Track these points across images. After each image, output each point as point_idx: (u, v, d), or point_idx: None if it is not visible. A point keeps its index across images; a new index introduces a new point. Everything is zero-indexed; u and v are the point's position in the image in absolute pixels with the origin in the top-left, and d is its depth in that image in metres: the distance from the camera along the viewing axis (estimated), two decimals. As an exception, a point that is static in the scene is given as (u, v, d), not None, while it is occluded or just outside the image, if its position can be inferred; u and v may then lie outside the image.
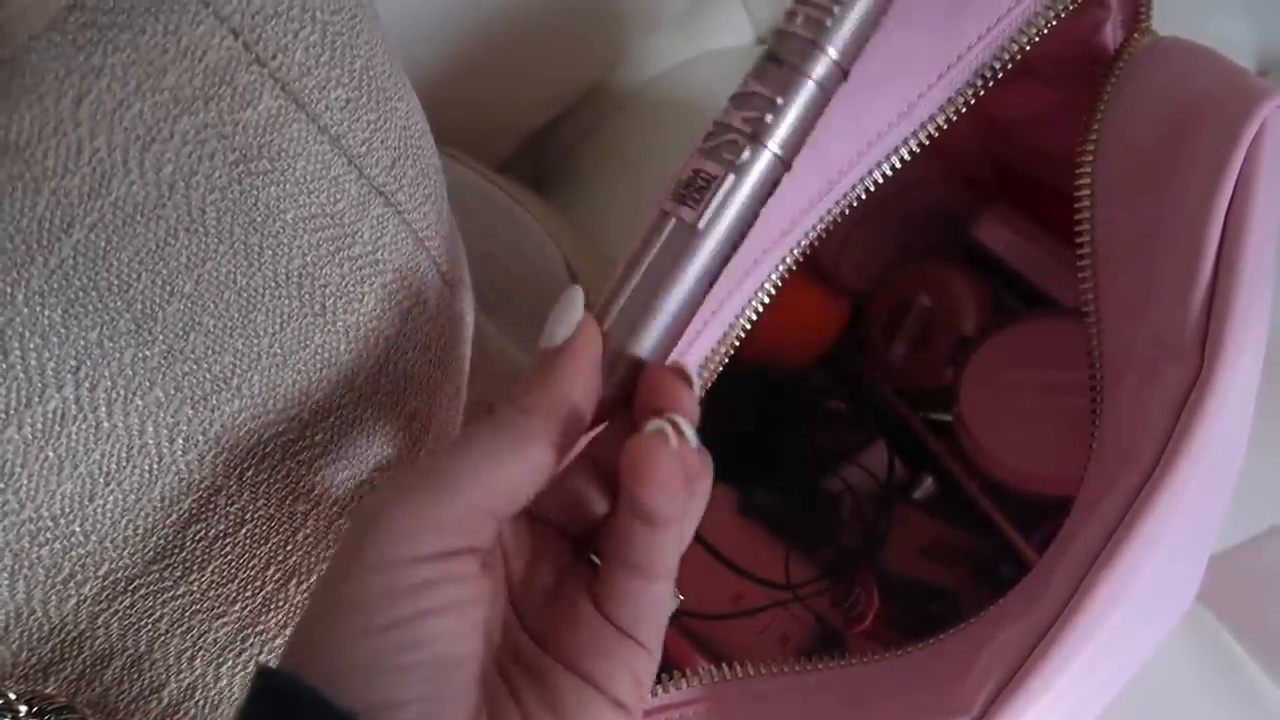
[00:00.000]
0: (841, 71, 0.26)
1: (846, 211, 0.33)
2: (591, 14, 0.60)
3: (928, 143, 0.33)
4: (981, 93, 0.33)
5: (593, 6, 0.59)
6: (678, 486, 0.24)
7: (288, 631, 0.29)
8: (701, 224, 0.26)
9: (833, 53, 0.25)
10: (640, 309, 0.26)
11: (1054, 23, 0.33)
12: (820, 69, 0.25)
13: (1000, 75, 0.33)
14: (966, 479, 0.42)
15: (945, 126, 0.33)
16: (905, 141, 0.33)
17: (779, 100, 0.25)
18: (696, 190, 0.26)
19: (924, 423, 0.44)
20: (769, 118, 0.25)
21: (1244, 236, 0.28)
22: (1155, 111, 0.32)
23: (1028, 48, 0.33)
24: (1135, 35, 0.35)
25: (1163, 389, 0.28)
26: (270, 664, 0.22)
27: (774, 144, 0.26)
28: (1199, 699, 0.44)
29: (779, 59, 0.26)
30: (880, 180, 0.33)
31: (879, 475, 0.43)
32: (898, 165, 0.33)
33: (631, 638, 0.25)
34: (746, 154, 0.26)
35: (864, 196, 0.33)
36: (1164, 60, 0.33)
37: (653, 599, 0.25)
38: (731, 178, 0.26)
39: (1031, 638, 0.27)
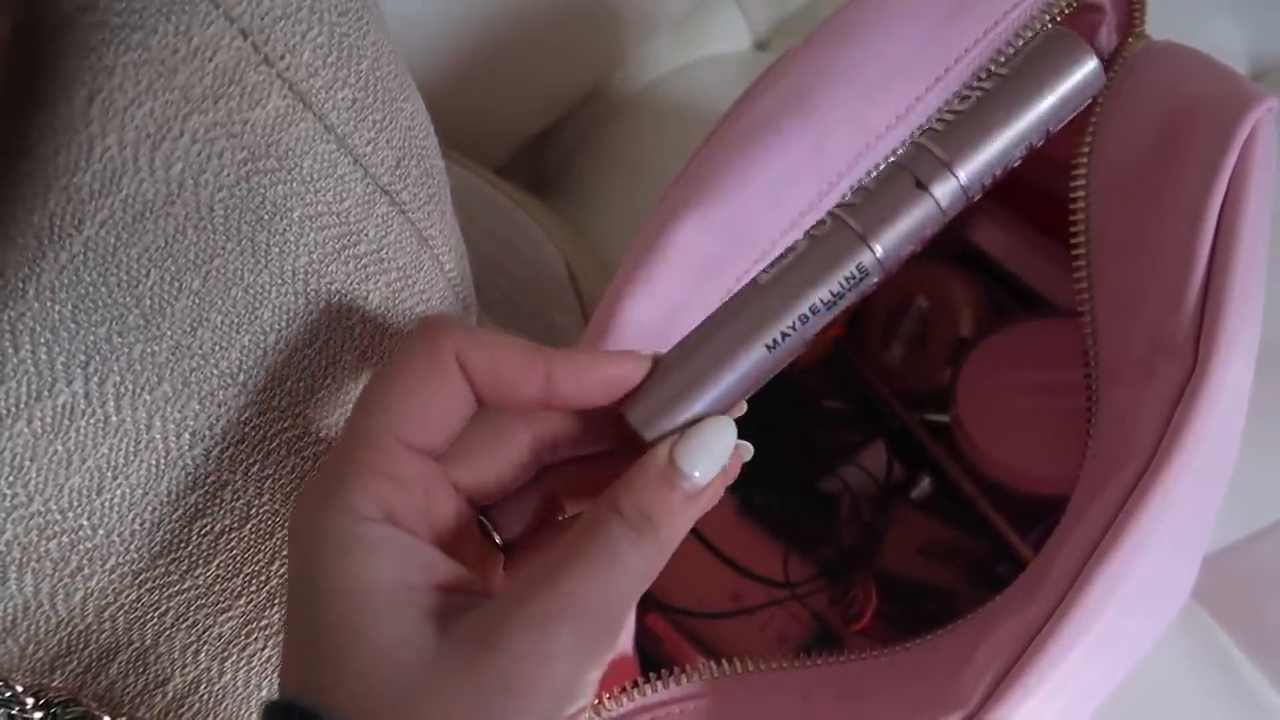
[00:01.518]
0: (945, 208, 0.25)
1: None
2: (590, 19, 0.60)
3: (925, 145, 0.34)
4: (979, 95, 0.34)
5: (591, 12, 0.59)
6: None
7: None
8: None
9: (962, 178, 0.24)
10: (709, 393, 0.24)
11: (1050, 26, 0.33)
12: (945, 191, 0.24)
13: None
14: (964, 479, 0.42)
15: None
16: (903, 144, 0.34)
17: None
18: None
19: (921, 423, 0.44)
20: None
21: (1236, 237, 0.28)
22: (1149, 114, 0.32)
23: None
24: (1130, 39, 0.36)
25: (1157, 387, 0.28)
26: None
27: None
28: (1195, 697, 0.44)
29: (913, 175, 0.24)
30: (878, 182, 0.34)
31: (877, 475, 0.44)
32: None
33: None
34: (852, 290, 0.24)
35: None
36: (1158, 64, 0.34)
37: None
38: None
39: (1028, 632, 0.27)
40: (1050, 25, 0.33)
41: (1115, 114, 0.34)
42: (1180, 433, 0.27)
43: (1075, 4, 0.33)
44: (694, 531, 0.42)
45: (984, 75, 0.34)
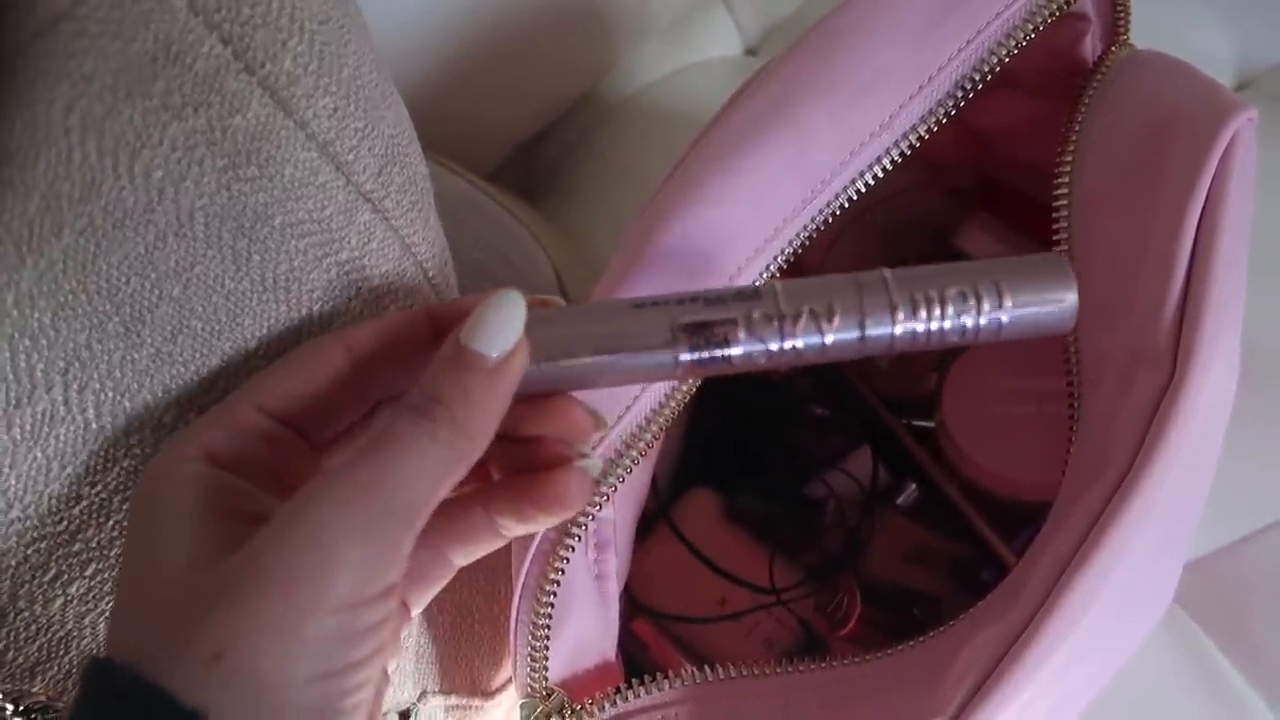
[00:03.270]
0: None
1: (830, 220, 0.34)
2: (580, 25, 0.60)
3: (909, 152, 0.34)
4: (962, 104, 0.34)
5: (582, 18, 0.60)
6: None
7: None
8: (679, 367, 0.24)
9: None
10: (579, 357, 0.24)
11: (1033, 35, 0.33)
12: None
13: (981, 86, 0.34)
14: (949, 485, 0.42)
15: (926, 136, 0.34)
16: (887, 151, 0.34)
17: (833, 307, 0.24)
18: (707, 340, 0.24)
19: (907, 429, 0.45)
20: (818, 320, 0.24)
21: (1215, 246, 0.28)
22: (1131, 123, 0.32)
23: (1007, 59, 0.33)
24: (1114, 48, 0.36)
25: (1137, 395, 0.28)
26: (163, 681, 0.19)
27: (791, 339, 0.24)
28: (1179, 701, 0.44)
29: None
30: (863, 189, 0.34)
31: (863, 481, 0.44)
32: (880, 175, 0.34)
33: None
34: (764, 357, 0.24)
35: (846, 205, 0.34)
36: (1141, 73, 0.34)
37: (445, 577, 0.27)
38: (738, 357, 0.24)
39: (1007, 639, 0.27)
40: (1033, 35, 0.33)
41: (1098, 122, 0.34)
42: (1158, 441, 0.27)
43: (1059, 13, 0.34)
44: (679, 536, 0.42)
45: (966, 85, 0.34)
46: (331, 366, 0.25)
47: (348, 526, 0.20)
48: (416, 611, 0.27)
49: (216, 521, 0.22)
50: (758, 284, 0.25)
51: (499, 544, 0.27)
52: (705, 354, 0.24)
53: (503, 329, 0.23)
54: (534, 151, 0.67)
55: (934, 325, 0.24)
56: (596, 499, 0.30)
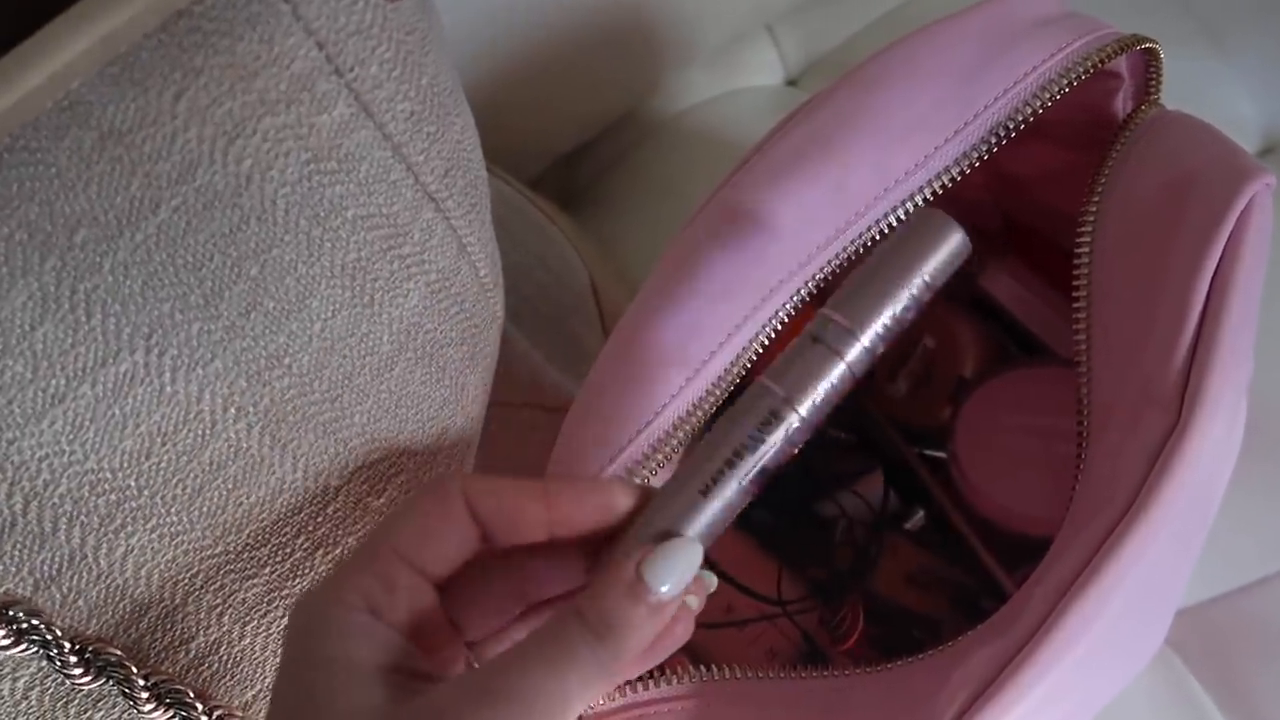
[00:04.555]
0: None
1: (861, 250, 0.36)
2: (629, 46, 0.62)
3: (942, 191, 0.36)
4: (995, 149, 0.35)
5: (630, 39, 0.62)
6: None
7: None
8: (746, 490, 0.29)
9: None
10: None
11: (1068, 89, 0.35)
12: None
13: (1014, 134, 0.35)
14: (956, 514, 0.44)
15: (959, 178, 0.36)
16: (920, 189, 0.36)
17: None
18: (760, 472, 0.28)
19: (920, 457, 0.46)
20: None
21: (1227, 300, 0.30)
22: (1155, 178, 0.34)
23: (1041, 110, 0.35)
24: (1144, 106, 0.38)
25: (1141, 437, 0.30)
26: None
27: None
28: (1164, 743, 0.45)
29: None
30: (894, 223, 0.35)
31: (873, 503, 0.45)
32: (912, 209, 0.36)
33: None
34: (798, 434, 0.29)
35: (879, 237, 0.36)
36: (1167, 132, 0.35)
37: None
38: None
39: (1002, 659, 0.29)
40: (1067, 90, 0.35)
41: (1124, 175, 0.36)
42: (1160, 482, 0.29)
43: (1094, 70, 0.35)
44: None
45: (1000, 132, 0.35)
46: (460, 519, 0.26)
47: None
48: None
49: (389, 674, 0.24)
50: (759, 392, 0.29)
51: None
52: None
53: (682, 574, 0.25)
54: (577, 163, 0.68)
55: (889, 331, 0.29)
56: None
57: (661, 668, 0.34)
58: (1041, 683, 0.28)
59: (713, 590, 0.29)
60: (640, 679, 0.33)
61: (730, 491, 0.28)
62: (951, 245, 0.29)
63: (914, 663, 0.33)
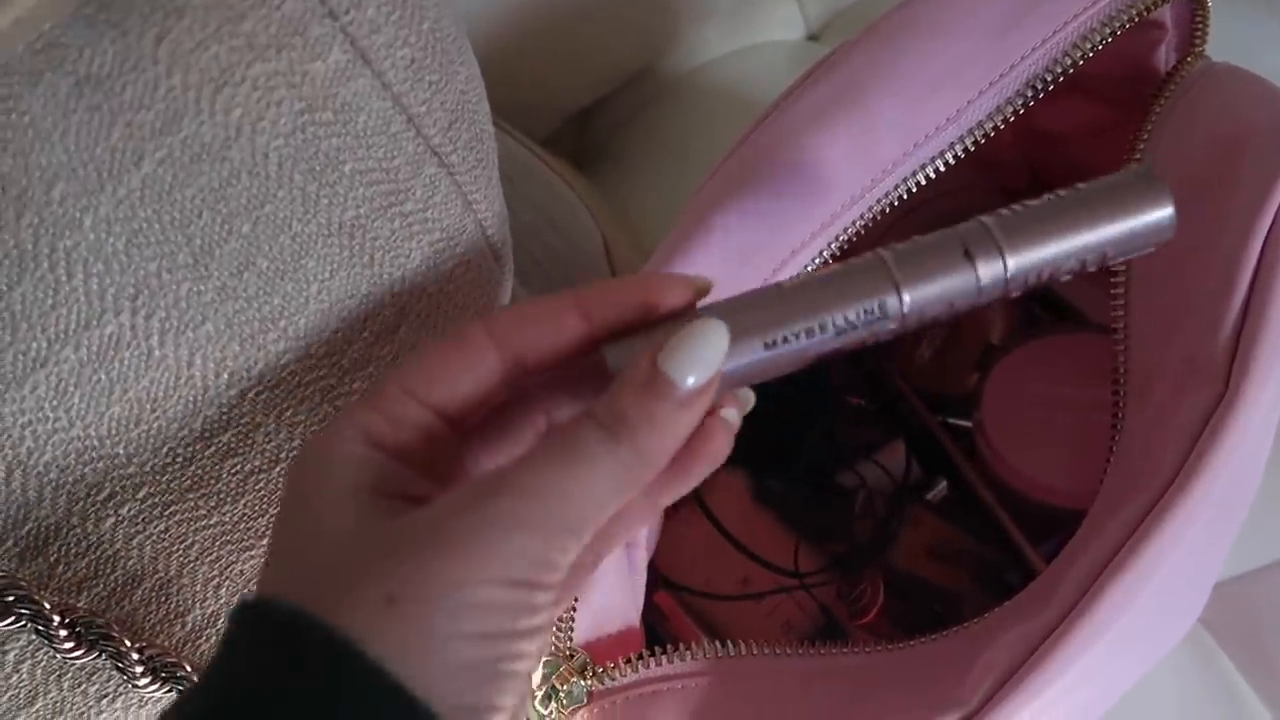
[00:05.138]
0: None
1: (888, 210, 0.34)
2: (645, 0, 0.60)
3: (973, 148, 0.34)
4: (1031, 103, 0.34)
5: (647, -10, 0.60)
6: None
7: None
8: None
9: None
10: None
11: (1110, 39, 0.33)
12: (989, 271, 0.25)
13: (1051, 88, 0.33)
14: (980, 485, 0.42)
15: (992, 134, 0.34)
16: (951, 146, 0.34)
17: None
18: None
19: (943, 427, 0.44)
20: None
21: (1280, 264, 0.28)
22: (1203, 134, 0.32)
23: (1080, 62, 0.33)
24: (1189, 59, 0.36)
25: (1187, 408, 0.28)
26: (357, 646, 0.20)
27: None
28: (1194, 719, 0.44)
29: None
30: (924, 181, 0.34)
31: (895, 474, 0.44)
32: (942, 168, 0.34)
33: None
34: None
35: (906, 196, 0.34)
36: (1216, 85, 0.33)
37: (593, 563, 0.26)
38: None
39: (1034, 639, 0.28)
40: (1109, 40, 0.33)
41: (1168, 131, 0.34)
42: (1204, 457, 0.27)
43: (1138, 19, 0.33)
44: (708, 514, 0.43)
45: (1037, 85, 0.33)
46: (479, 355, 0.24)
47: (525, 520, 0.21)
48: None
49: (380, 499, 0.22)
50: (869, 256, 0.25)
51: (653, 515, 0.27)
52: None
53: (703, 361, 0.23)
54: (587, 122, 0.67)
55: (1039, 279, 0.24)
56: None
57: (676, 643, 0.32)
58: (1074, 666, 0.27)
59: (750, 407, 0.26)
60: (653, 654, 0.32)
61: (788, 356, 0.24)
62: (1157, 221, 0.24)
63: (937, 641, 0.31)
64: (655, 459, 0.23)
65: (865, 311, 0.24)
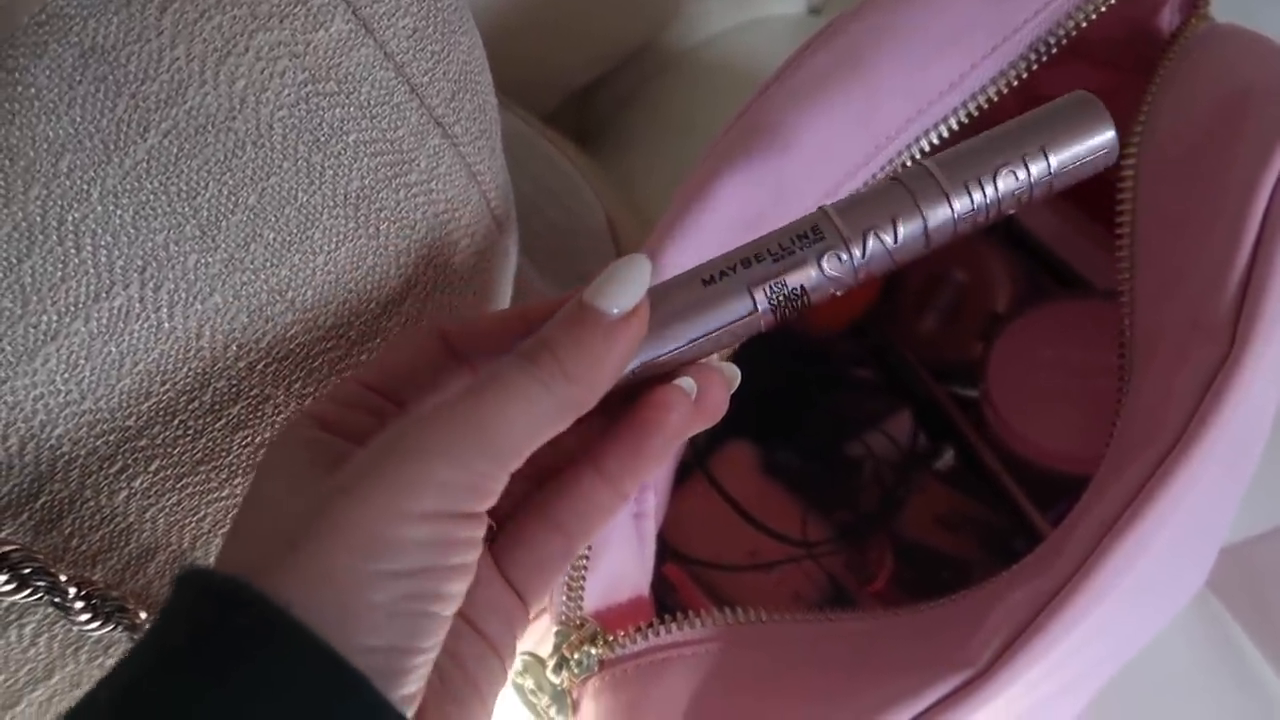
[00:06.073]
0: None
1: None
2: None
3: (977, 114, 0.34)
4: (1034, 67, 0.33)
5: (648, -35, 0.59)
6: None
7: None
8: (760, 321, 0.25)
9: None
10: (677, 331, 0.25)
11: (1112, 1, 0.33)
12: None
13: (1054, 52, 0.33)
14: (987, 453, 0.43)
15: (995, 99, 0.34)
16: (954, 112, 0.34)
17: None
18: (785, 295, 0.24)
19: (949, 396, 0.45)
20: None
21: (1285, 222, 0.28)
22: (1207, 95, 0.32)
23: (1084, 24, 0.33)
24: (1193, 19, 0.35)
25: (1191, 368, 0.28)
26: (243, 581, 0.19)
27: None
28: (1201, 684, 0.44)
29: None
30: (926, 149, 0.34)
31: (901, 443, 0.44)
32: (945, 135, 0.34)
33: (521, 598, 0.26)
34: (839, 289, 0.25)
35: (908, 165, 0.34)
36: (1220, 46, 0.33)
37: (563, 557, 0.26)
38: (815, 294, 0.25)
39: (1041, 599, 0.28)
40: (1111, 2, 0.33)
41: (1172, 93, 0.33)
42: (1210, 415, 0.27)
43: (1140, -20, 0.33)
44: (715, 485, 0.43)
45: (1040, 49, 0.33)
46: (428, 346, 0.25)
47: (441, 452, 0.21)
48: (535, 610, 0.27)
49: (321, 470, 0.22)
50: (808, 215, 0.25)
51: (621, 505, 0.26)
52: (784, 304, 0.24)
53: (627, 287, 0.23)
54: (592, 98, 0.66)
55: (990, 202, 0.24)
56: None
57: (684, 610, 0.33)
58: (1081, 624, 0.27)
59: (736, 384, 0.26)
60: (662, 621, 0.32)
61: (736, 295, 0.24)
62: (1096, 136, 0.24)
63: (945, 604, 0.32)
64: (583, 384, 0.22)
65: (799, 236, 0.24)
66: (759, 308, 0.24)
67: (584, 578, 0.32)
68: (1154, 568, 0.29)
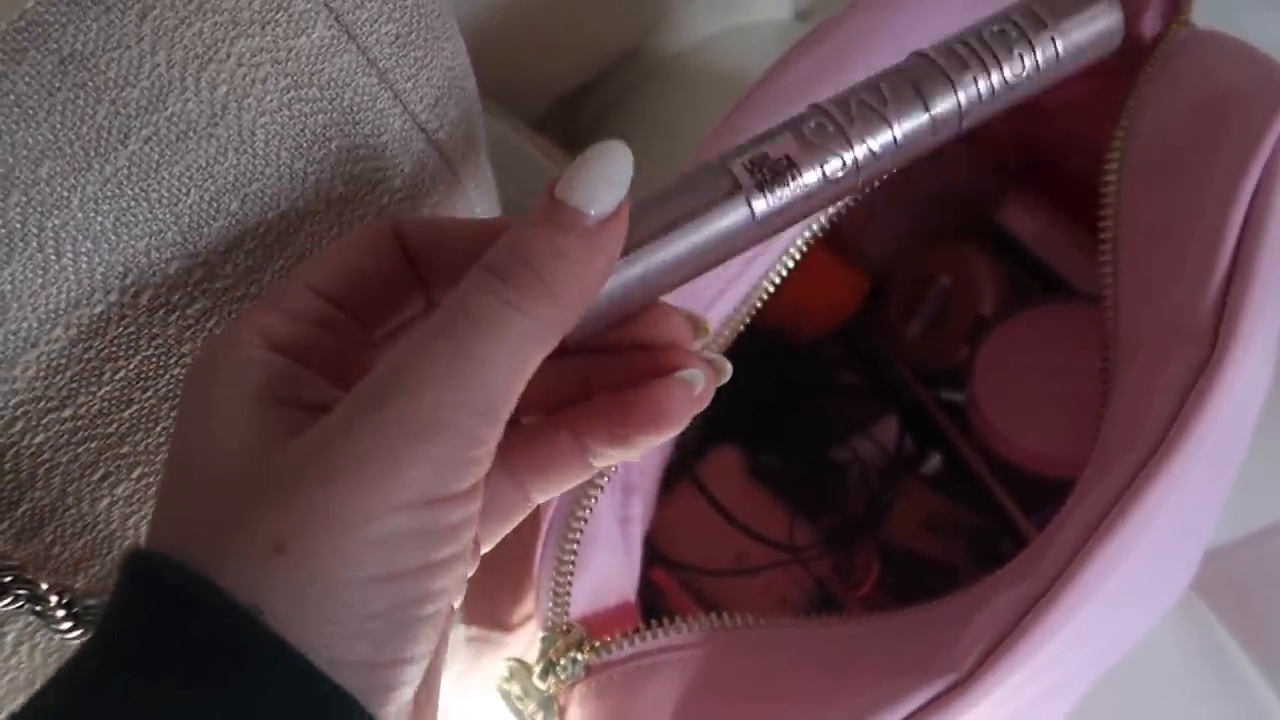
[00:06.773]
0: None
1: (876, 182, 0.34)
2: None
3: (960, 119, 0.34)
4: (1016, 73, 0.34)
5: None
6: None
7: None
8: (755, 217, 0.22)
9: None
10: (659, 250, 0.22)
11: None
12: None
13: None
14: (974, 457, 0.43)
15: (979, 104, 0.34)
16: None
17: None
18: (773, 173, 0.22)
19: (935, 401, 0.45)
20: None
21: (1266, 226, 0.28)
22: (1187, 100, 0.32)
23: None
24: (1174, 25, 0.36)
25: (1172, 371, 0.29)
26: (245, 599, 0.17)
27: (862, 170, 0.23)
28: (1188, 687, 0.44)
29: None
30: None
31: (888, 448, 0.44)
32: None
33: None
34: (841, 170, 0.23)
35: (893, 169, 0.34)
36: (1199, 51, 0.34)
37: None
38: (816, 181, 0.23)
39: (1025, 604, 0.28)
40: None
41: (1153, 97, 0.34)
42: (1191, 418, 0.27)
43: (1121, -14, 0.33)
44: (702, 489, 0.43)
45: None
46: (383, 246, 0.22)
47: (422, 424, 0.18)
48: (487, 549, 0.24)
49: (276, 407, 0.20)
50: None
51: (584, 475, 0.23)
52: (777, 189, 0.22)
53: (608, 182, 0.20)
54: (578, 105, 0.66)
55: (994, 77, 0.23)
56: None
57: (671, 615, 0.33)
58: (1066, 627, 0.27)
59: (727, 376, 0.23)
60: (649, 626, 0.32)
61: (713, 174, 0.22)
62: (1103, 17, 0.23)
63: (931, 608, 0.32)
64: (568, 302, 0.19)
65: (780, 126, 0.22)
66: (742, 184, 0.22)
67: (570, 583, 0.32)
68: (1139, 570, 0.29)
